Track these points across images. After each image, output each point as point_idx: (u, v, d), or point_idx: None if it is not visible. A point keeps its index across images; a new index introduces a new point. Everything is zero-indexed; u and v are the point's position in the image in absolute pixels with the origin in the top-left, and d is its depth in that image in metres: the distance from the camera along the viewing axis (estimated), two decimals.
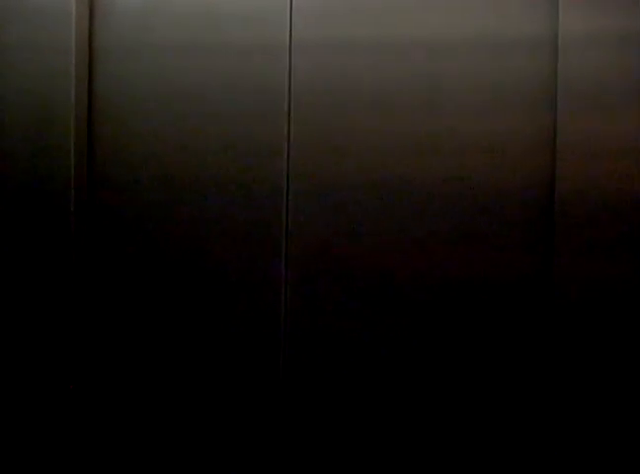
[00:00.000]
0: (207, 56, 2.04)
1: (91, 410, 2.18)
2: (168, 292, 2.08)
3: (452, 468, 1.86)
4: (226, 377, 2.05)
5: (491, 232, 1.81)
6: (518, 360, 1.80)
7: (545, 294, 1.77)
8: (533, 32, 1.78)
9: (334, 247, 1.93)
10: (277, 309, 2.00)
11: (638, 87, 1.68)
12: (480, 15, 1.81)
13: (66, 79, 2.10)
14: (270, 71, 1.99)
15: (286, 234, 1.98)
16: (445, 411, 1.86)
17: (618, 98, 1.70)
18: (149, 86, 2.09)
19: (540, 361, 1.79)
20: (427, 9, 1.86)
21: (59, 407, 2.16)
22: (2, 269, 2.20)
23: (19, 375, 2.19)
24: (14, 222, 2.17)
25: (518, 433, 1.81)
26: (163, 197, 2.08)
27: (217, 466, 2.08)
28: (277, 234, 1.99)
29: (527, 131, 1.78)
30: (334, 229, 1.93)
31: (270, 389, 2.01)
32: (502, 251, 1.80)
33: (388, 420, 1.91)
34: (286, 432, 2.00)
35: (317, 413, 1.97)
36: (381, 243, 1.90)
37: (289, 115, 1.97)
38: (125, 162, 2.11)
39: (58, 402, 2.17)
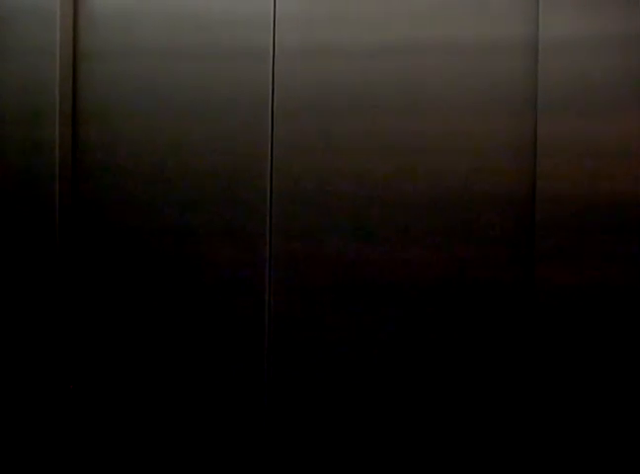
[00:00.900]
0: (191, 59, 2.05)
1: (77, 408, 2.18)
2: (151, 290, 2.09)
3: (441, 469, 1.86)
4: (211, 375, 2.05)
5: (472, 234, 1.81)
6: (501, 360, 1.80)
7: (527, 296, 1.76)
8: (514, 34, 1.78)
9: (317, 248, 1.93)
10: (260, 316, 1.99)
11: (618, 89, 1.68)
12: (460, 18, 1.81)
13: (51, 80, 2.11)
14: (254, 74, 1.99)
15: (270, 239, 1.98)
16: (431, 413, 1.86)
17: (599, 100, 1.69)
18: (132, 87, 2.10)
19: (523, 360, 1.79)
20: (407, 14, 1.86)
21: (48, 404, 2.17)
22: None
23: (6, 373, 2.20)
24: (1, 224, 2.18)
25: (502, 431, 1.81)
26: (146, 197, 2.09)
27: (203, 467, 2.08)
28: (260, 235, 1.99)
29: (508, 134, 1.78)
30: (318, 230, 1.93)
31: (254, 389, 2.01)
32: (483, 253, 1.80)
33: (374, 423, 1.91)
34: (271, 436, 2.00)
35: (301, 417, 1.97)
36: (362, 247, 1.89)
37: (272, 117, 1.98)
38: (110, 161, 2.12)
39: (47, 399, 2.17)
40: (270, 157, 1.98)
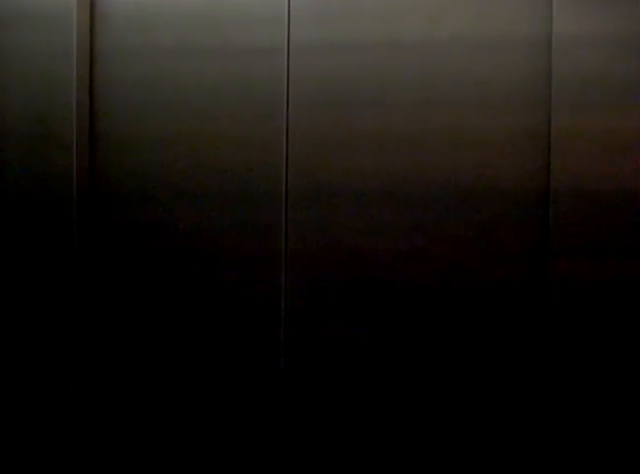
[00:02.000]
0: (206, 58, 2.06)
1: (91, 410, 2.20)
2: (166, 294, 2.11)
3: (453, 467, 1.87)
4: (226, 378, 2.07)
5: (486, 231, 1.81)
6: (514, 358, 1.81)
7: (541, 293, 1.77)
8: (528, 31, 1.77)
9: (333, 243, 1.94)
10: (276, 310, 2.01)
11: (631, 85, 1.67)
12: (474, 14, 1.81)
13: (68, 81, 2.13)
14: (269, 72, 2.00)
15: (286, 235, 2.00)
16: (445, 411, 1.87)
17: (612, 96, 1.69)
18: (149, 88, 2.11)
19: (537, 358, 1.79)
20: (422, 9, 1.86)
21: (60, 407, 2.19)
22: (4, 267, 2.24)
23: (21, 374, 2.22)
24: (17, 223, 2.20)
25: (515, 430, 1.82)
26: (163, 194, 2.10)
27: (216, 466, 2.11)
28: (276, 235, 2.00)
29: (522, 130, 1.78)
30: (333, 225, 1.94)
31: (269, 390, 2.03)
32: (497, 250, 1.80)
33: (389, 420, 1.93)
34: (286, 434, 2.02)
35: (316, 416, 1.98)
36: (376, 241, 1.90)
37: (288, 115, 1.98)
38: (127, 162, 2.13)
39: (59, 402, 2.19)
40: (285, 153, 1.99)
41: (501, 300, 1.81)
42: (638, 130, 1.68)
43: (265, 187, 2.01)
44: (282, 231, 2.00)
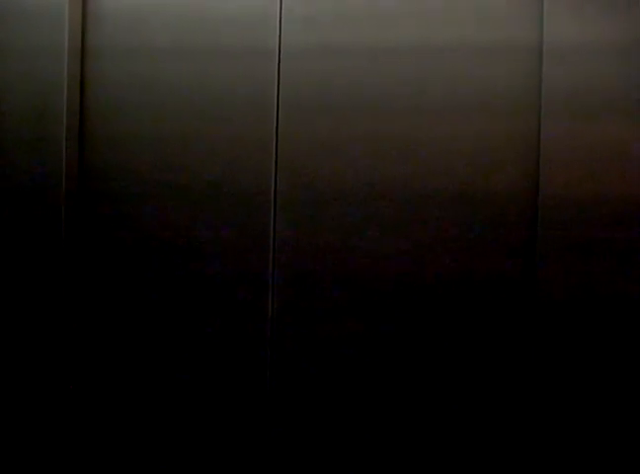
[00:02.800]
0: (197, 59, 2.06)
1: (83, 408, 2.18)
2: (154, 290, 2.09)
3: (443, 464, 1.88)
4: (215, 377, 2.06)
5: (477, 235, 1.83)
6: (503, 358, 1.82)
7: (529, 295, 1.79)
8: (518, 39, 1.80)
9: (321, 251, 1.94)
10: (263, 312, 2.00)
11: (620, 93, 1.70)
12: (466, 22, 1.83)
13: (59, 79, 2.12)
14: (260, 74, 2.00)
15: (274, 236, 2.00)
16: (435, 411, 1.87)
17: (601, 104, 1.72)
18: (138, 86, 2.11)
19: (525, 358, 1.80)
20: (415, 15, 1.88)
21: (54, 405, 2.17)
22: None
23: (14, 372, 2.20)
24: (7, 220, 2.19)
25: (505, 428, 1.83)
26: (152, 193, 2.09)
27: (207, 457, 2.09)
28: (265, 235, 2.00)
29: (512, 136, 1.80)
30: (322, 233, 1.94)
31: (256, 388, 2.02)
32: (487, 253, 1.82)
33: (378, 416, 1.92)
34: (272, 436, 2.01)
35: (302, 418, 1.98)
36: (367, 247, 1.91)
37: (277, 117, 1.99)
38: (116, 161, 2.13)
39: (53, 400, 2.17)
40: (274, 156, 2.00)
41: (490, 300, 1.83)
42: (626, 138, 1.71)
43: (254, 187, 2.01)
44: (271, 230, 1.99)
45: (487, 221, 1.81)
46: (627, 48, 1.69)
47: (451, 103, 1.84)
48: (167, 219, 2.08)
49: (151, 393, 2.12)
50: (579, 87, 1.72)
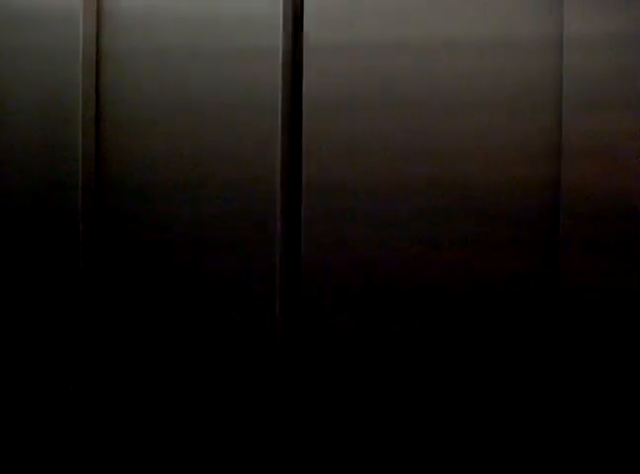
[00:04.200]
0: (211, 61, 2.06)
1: (93, 410, 2.19)
2: (171, 289, 2.10)
3: (461, 469, 1.85)
4: (225, 379, 2.04)
5: (497, 230, 1.79)
6: (525, 357, 1.78)
7: (550, 295, 1.75)
8: (537, 30, 1.77)
9: (343, 252, 1.93)
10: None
11: None
12: (483, 14, 1.81)
13: (74, 82, 2.14)
14: (271, 77, 2.01)
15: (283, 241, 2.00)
16: (453, 408, 1.84)
17: (623, 98, 1.69)
18: (152, 89, 2.12)
19: (547, 358, 1.76)
20: (432, 10, 1.86)
21: (63, 407, 2.18)
22: (7, 266, 2.25)
23: (23, 375, 2.22)
24: (21, 224, 2.21)
25: (527, 422, 1.79)
26: (165, 197, 2.10)
27: (216, 466, 2.08)
28: (272, 240, 1.99)
29: (532, 130, 1.76)
30: (344, 234, 1.93)
31: (268, 388, 2.01)
32: (507, 249, 1.79)
33: (398, 417, 1.89)
34: (286, 438, 1.99)
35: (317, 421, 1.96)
36: (387, 248, 1.89)
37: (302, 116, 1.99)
38: (131, 163, 2.14)
39: (62, 402, 2.19)
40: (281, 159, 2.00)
41: (511, 297, 1.78)
42: None
43: (262, 192, 2.01)
44: (278, 236, 1.99)
45: (508, 217, 1.78)
46: None
47: (469, 98, 1.82)
48: (181, 225, 2.09)
49: (158, 396, 2.11)
50: (601, 79, 1.69)
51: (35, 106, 2.22)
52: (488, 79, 1.80)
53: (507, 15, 1.80)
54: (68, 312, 2.18)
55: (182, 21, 2.10)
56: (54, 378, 2.20)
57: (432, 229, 1.84)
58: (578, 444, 1.71)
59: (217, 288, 2.05)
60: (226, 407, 2.06)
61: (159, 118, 2.10)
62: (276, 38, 2.01)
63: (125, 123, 2.14)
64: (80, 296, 2.19)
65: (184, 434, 2.10)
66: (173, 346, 2.10)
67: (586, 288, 1.70)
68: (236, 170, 2.03)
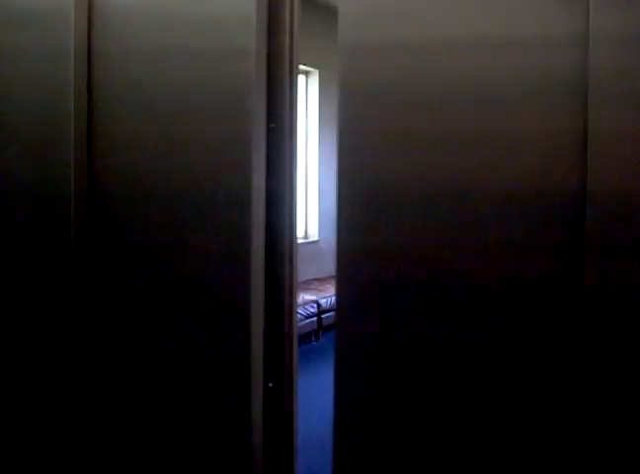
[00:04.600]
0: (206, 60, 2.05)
1: (86, 408, 2.20)
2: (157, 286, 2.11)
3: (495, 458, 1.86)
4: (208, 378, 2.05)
5: (522, 233, 1.78)
6: (551, 356, 1.78)
7: (577, 295, 1.75)
8: (564, 27, 1.74)
9: (382, 244, 1.91)
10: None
11: None
12: (510, 11, 1.78)
13: (66, 78, 2.14)
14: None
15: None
16: (482, 406, 1.85)
17: None
18: (138, 87, 2.12)
19: (573, 357, 1.77)
20: (462, 10, 1.83)
21: (59, 406, 2.19)
22: (6, 269, 2.24)
23: (21, 374, 2.23)
24: (16, 224, 2.22)
25: (553, 423, 1.81)
26: (154, 189, 2.11)
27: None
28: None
29: (557, 130, 1.75)
30: (381, 233, 1.90)
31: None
32: (533, 252, 1.78)
33: (435, 415, 1.90)
34: None
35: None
36: (425, 241, 1.88)
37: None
38: (125, 162, 2.14)
39: (58, 401, 2.20)
40: None
41: (538, 299, 1.79)
42: None
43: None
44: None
45: (533, 219, 1.77)
46: None
47: (493, 96, 1.79)
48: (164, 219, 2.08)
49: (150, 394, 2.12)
50: (626, 77, 1.67)
51: (31, 98, 2.19)
52: (511, 76, 1.78)
53: (537, 15, 1.78)
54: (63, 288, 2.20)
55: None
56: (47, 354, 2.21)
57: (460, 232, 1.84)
58: (602, 435, 1.72)
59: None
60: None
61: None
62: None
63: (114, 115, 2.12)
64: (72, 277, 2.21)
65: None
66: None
67: (610, 289, 1.69)
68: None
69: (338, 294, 1.92)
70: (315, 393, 5.08)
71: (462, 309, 1.86)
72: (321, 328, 6.58)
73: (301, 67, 7.30)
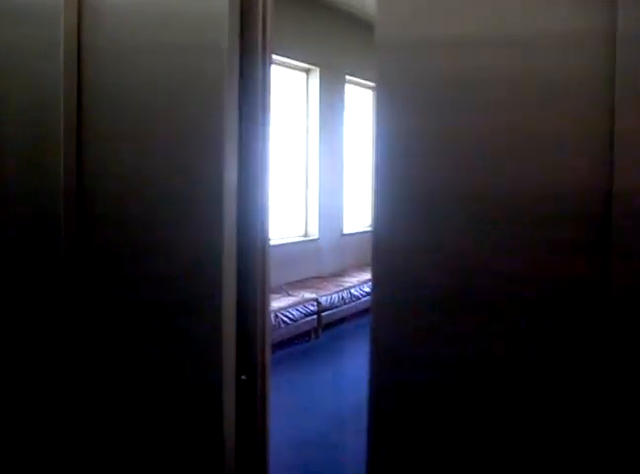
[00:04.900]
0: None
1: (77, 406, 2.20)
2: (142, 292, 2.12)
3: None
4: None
5: (549, 232, 1.74)
6: (579, 356, 1.74)
7: (603, 295, 1.70)
8: (592, 27, 1.68)
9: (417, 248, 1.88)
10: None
11: None
12: (538, 9, 1.72)
13: (56, 74, 2.14)
14: None
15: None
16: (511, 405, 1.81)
17: None
18: (128, 81, 2.12)
19: (601, 356, 1.72)
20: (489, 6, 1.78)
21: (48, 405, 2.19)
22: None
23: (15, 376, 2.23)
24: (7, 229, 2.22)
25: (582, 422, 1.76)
26: (138, 178, 2.11)
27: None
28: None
29: (584, 128, 1.70)
30: (415, 230, 1.86)
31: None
32: (560, 251, 1.74)
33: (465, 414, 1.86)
34: None
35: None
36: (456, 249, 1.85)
37: None
38: (103, 155, 2.15)
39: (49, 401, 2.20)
40: None
41: (565, 299, 1.75)
42: None
43: None
44: None
45: (560, 218, 1.72)
46: None
47: (522, 94, 1.74)
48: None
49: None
50: None
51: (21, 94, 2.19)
52: (537, 75, 1.73)
53: (565, 12, 1.70)
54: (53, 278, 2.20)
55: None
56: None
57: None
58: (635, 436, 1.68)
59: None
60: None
61: None
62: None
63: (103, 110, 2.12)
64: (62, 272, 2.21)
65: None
66: None
67: (637, 289, 1.65)
68: None
69: (374, 287, 1.89)
70: (315, 391, 5.11)
71: (493, 307, 1.81)
72: (321, 326, 6.59)
73: (301, 65, 7.30)
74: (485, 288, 1.81)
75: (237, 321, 2.00)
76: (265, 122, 2.01)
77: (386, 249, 1.86)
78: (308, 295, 6.59)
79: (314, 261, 7.57)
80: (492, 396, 1.82)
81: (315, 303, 6.49)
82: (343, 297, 6.93)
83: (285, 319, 6.03)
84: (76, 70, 2.14)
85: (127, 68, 2.10)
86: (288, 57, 6.97)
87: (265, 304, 1.99)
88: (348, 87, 8.11)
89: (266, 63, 2.02)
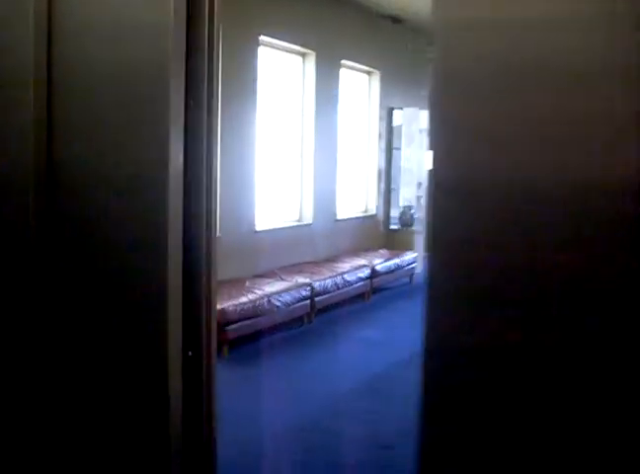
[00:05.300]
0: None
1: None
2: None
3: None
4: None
5: (591, 224, 1.71)
6: (617, 353, 1.71)
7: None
8: (625, 8, 1.62)
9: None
10: None
11: None
12: None
13: (26, 49, 2.14)
14: None
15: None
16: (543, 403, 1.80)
17: None
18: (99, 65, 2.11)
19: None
20: None
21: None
22: None
23: None
24: None
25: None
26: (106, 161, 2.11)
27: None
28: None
29: (618, 120, 1.65)
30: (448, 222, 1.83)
31: None
32: (600, 248, 1.71)
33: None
34: None
35: None
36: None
37: None
38: (82, 127, 2.15)
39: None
40: None
41: (606, 296, 1.72)
42: None
43: None
44: None
45: (602, 210, 1.68)
46: None
47: (552, 82, 1.69)
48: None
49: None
50: None
51: None
52: (566, 60, 1.68)
53: None
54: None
55: None
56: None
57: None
58: None
59: None
60: None
61: None
62: None
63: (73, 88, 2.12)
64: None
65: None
66: None
67: None
68: None
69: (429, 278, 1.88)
70: (308, 376, 5.13)
71: (533, 303, 1.78)
72: (314, 311, 6.60)
73: (297, 49, 7.29)
74: (523, 280, 1.77)
75: (183, 295, 2.03)
76: (212, 107, 2.03)
77: (442, 241, 1.83)
78: (302, 280, 6.60)
79: (308, 246, 7.57)
80: (542, 388, 1.78)
81: (308, 288, 6.50)
82: (336, 282, 6.94)
83: (278, 303, 6.04)
84: (46, 46, 2.14)
85: (80, 53, 2.10)
86: (285, 41, 6.96)
87: (211, 277, 2.01)
88: (343, 71, 8.09)
89: (213, 44, 2.02)
